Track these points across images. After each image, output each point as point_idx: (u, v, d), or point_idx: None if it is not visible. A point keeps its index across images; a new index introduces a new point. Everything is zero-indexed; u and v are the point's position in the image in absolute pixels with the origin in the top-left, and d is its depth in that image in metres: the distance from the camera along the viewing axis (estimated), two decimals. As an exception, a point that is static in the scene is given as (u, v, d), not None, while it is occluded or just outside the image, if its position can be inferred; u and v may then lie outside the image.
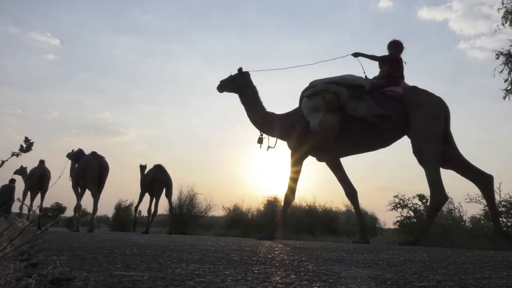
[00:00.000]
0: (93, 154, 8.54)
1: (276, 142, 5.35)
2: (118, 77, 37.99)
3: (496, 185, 5.74)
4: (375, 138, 4.81)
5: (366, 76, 4.98)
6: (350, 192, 5.16)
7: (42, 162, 10.14)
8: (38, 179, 9.71)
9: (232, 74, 5.54)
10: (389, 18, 32.15)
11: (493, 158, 23.96)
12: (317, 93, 4.78)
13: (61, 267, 1.50)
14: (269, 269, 1.65)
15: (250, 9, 35.38)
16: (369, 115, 4.60)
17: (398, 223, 7.08)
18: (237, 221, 11.70)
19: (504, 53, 8.86)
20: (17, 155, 1.09)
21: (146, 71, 36.60)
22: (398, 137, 4.88)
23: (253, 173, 18.65)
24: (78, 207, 8.73)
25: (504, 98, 9.01)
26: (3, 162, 1.08)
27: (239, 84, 5.47)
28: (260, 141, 5.39)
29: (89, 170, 8.14)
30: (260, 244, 3.53)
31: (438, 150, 4.45)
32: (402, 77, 4.96)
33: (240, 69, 5.49)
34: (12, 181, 10.63)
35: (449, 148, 4.63)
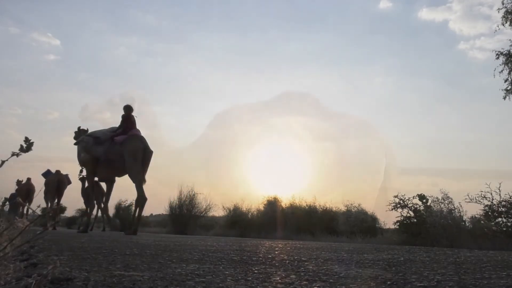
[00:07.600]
0: (56, 172, 11.21)
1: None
2: (118, 77, 37.95)
3: (496, 185, 5.91)
4: (114, 168, 7.80)
5: (113, 129, 8.07)
6: (93, 207, 9.23)
7: (28, 179, 12.44)
8: (25, 193, 11.97)
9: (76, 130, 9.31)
10: (389, 19, 32.13)
11: (493, 158, 23.93)
12: (80, 141, 8.15)
13: (61, 267, 1.50)
14: (269, 269, 1.65)
15: (250, 9, 35.37)
16: (100, 156, 7.76)
17: (398, 223, 7.07)
18: (237, 221, 11.68)
19: (504, 53, 8.84)
20: (17, 155, 1.09)
21: (146, 71, 36.57)
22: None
23: (253, 173, 18.61)
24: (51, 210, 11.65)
25: (504, 98, 8.98)
26: (3, 162, 1.08)
27: (77, 138, 8.88)
28: (80, 171, 9.18)
29: (50, 185, 10.91)
30: (260, 244, 3.53)
31: (138, 170, 7.42)
32: (133, 128, 7.95)
33: (79, 128, 9.19)
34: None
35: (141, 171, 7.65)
